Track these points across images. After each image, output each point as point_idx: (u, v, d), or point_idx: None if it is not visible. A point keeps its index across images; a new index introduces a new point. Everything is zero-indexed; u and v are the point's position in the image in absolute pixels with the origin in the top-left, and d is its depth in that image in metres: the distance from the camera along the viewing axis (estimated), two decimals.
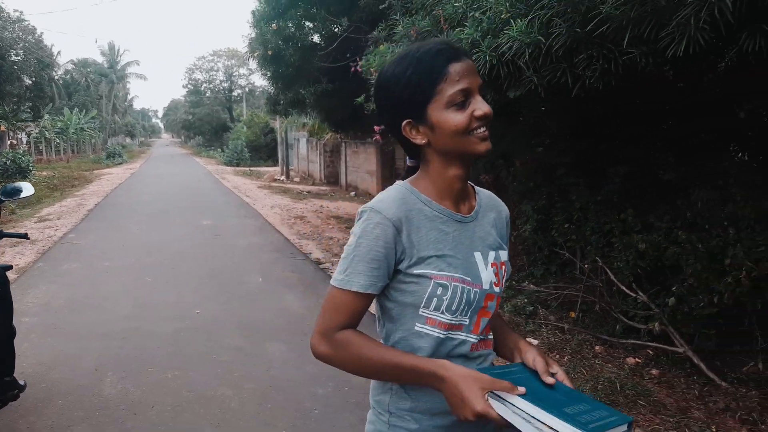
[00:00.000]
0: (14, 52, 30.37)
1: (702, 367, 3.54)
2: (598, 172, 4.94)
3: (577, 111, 4.69)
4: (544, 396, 1.03)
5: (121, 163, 32.56)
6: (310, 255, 7.30)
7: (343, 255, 1.16)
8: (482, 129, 1.12)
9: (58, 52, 56.86)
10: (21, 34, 31.74)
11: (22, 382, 2.99)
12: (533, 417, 0.96)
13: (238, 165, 28.74)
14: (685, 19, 2.05)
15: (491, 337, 1.27)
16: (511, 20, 2.86)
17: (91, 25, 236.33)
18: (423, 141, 1.16)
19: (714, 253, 3.51)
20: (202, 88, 44.67)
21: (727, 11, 1.91)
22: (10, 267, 3.13)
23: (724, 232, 3.58)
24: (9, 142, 25.12)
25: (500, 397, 0.99)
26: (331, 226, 9.66)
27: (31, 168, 17.46)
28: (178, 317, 4.77)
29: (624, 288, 4.28)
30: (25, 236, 3.20)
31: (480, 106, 1.11)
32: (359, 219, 1.15)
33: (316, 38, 9.39)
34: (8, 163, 16.70)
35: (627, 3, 2.19)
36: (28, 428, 2.95)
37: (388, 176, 13.65)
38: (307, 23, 9.23)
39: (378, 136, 6.18)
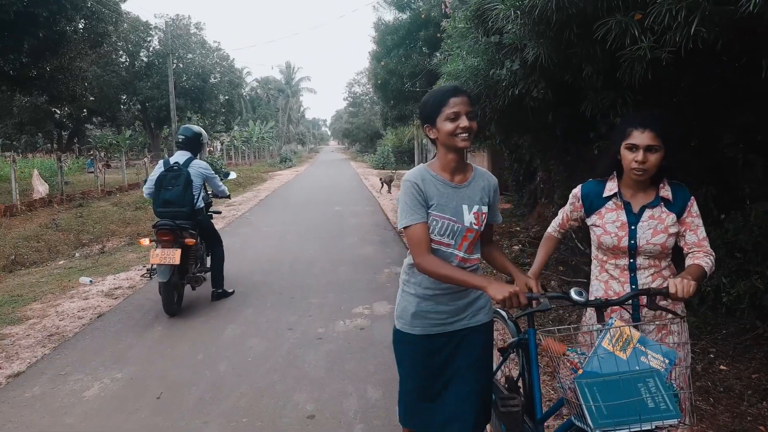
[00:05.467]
0: (213, 75, 37.52)
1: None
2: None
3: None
4: None
5: (291, 167, 38.47)
6: (397, 228, 10.13)
7: (399, 210, 1.90)
8: (464, 134, 1.84)
9: (247, 72, 66.67)
10: (218, 60, 38.95)
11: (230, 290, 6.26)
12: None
13: (383, 168, 31.79)
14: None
15: (476, 255, 1.98)
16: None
17: (269, 50, 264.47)
18: (434, 137, 1.91)
19: None
20: (360, 100, 49.49)
21: None
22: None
23: None
24: (208, 149, 31.46)
25: None
26: None
27: (224, 170, 22.64)
28: (298, 253, 8.01)
29: (579, 245, 6.44)
30: (219, 213, 6.64)
31: (462, 122, 1.83)
32: (401, 187, 1.91)
33: (412, 69, 12.23)
34: None
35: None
36: None
37: (497, 174, 15.74)
38: (414, 55, 12.10)
39: None
